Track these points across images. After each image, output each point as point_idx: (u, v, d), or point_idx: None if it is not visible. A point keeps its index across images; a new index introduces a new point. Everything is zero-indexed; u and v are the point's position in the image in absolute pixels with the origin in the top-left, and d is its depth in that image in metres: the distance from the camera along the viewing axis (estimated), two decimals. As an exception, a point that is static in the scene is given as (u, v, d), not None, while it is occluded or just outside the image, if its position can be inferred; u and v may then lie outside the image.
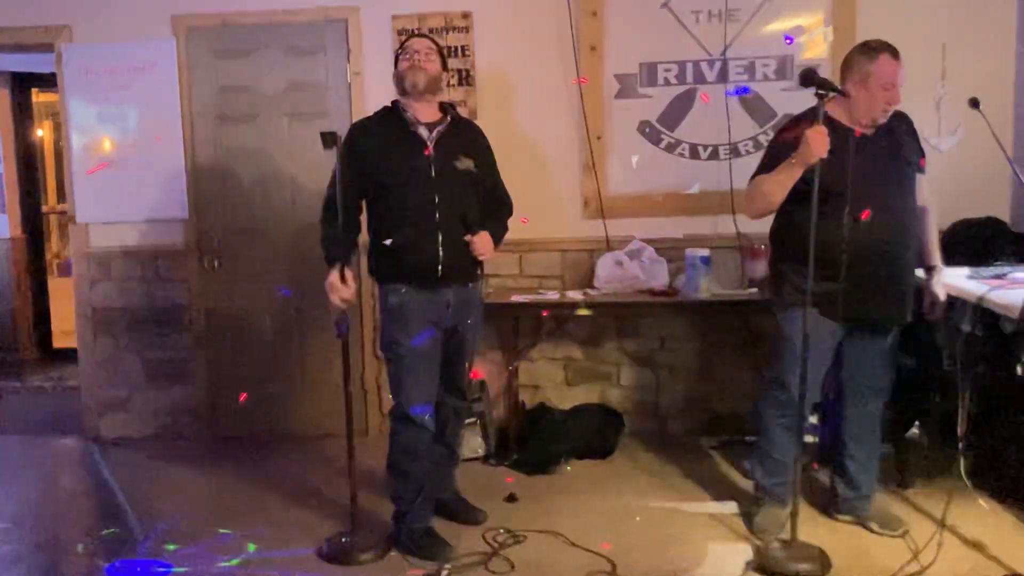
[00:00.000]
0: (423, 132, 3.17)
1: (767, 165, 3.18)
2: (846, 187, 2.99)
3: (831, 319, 3.12)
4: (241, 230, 4.63)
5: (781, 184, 3.07)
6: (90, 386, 4.78)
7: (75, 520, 3.75)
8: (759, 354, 4.26)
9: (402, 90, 3.20)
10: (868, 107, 3.07)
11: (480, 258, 3.22)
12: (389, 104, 3.28)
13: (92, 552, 3.36)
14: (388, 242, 3.13)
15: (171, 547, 3.36)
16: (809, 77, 2.96)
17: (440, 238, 3.11)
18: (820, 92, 2.94)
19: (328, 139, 3.10)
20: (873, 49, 3.09)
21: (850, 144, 3.03)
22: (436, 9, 4.41)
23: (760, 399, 3.41)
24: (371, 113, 3.40)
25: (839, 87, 3.04)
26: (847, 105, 3.10)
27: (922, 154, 3.25)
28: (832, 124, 3.02)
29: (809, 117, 3.04)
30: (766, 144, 4.20)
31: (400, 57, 3.24)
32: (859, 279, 3.04)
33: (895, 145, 3.13)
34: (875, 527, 3.28)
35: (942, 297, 3.30)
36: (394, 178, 3.12)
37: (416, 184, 3.11)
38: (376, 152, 3.15)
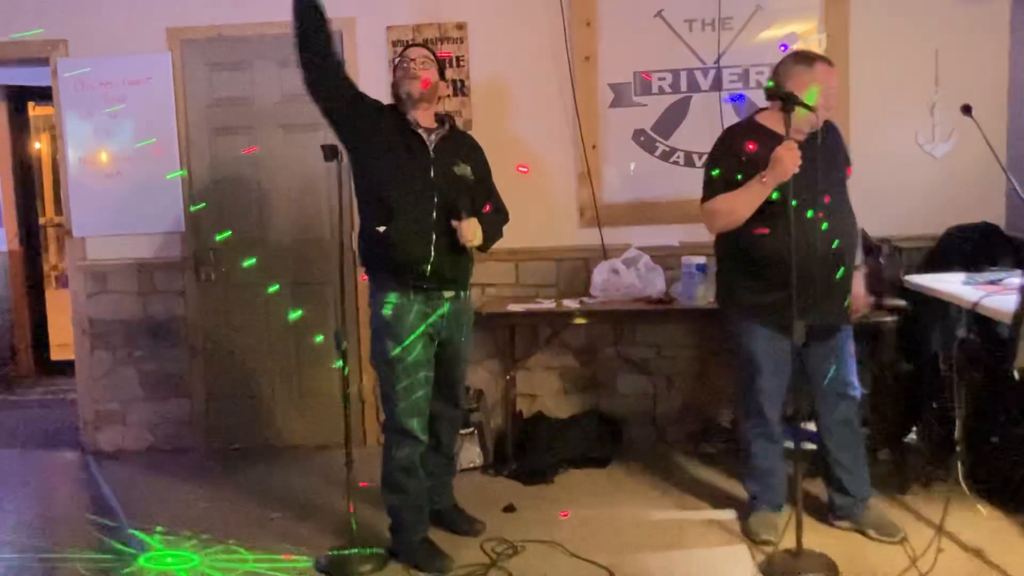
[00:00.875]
0: (423, 134, 3.19)
1: (722, 183, 3.16)
2: (791, 196, 2.98)
3: (781, 331, 3.11)
4: (237, 242, 4.63)
5: (749, 202, 3.10)
6: (87, 399, 4.78)
7: (72, 534, 3.74)
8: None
9: (397, 98, 3.22)
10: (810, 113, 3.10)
11: (464, 243, 3.13)
12: (392, 103, 3.28)
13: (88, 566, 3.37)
14: (382, 229, 3.10)
15: (168, 559, 3.36)
16: (773, 91, 3.02)
17: (433, 238, 3.11)
18: (785, 107, 2.97)
19: (329, 152, 3.13)
20: (810, 58, 3.17)
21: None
22: (431, 20, 4.42)
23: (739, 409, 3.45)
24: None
25: (805, 101, 3.03)
26: (779, 116, 3.06)
27: (848, 162, 3.33)
28: (767, 135, 3.07)
29: (745, 129, 3.12)
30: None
31: (397, 66, 3.25)
32: (807, 286, 3.03)
33: (829, 151, 3.17)
34: (872, 533, 3.27)
35: (863, 295, 3.43)
36: (394, 167, 3.11)
37: (416, 180, 3.12)
38: (380, 134, 3.14)
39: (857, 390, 3.31)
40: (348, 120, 3.16)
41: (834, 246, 3.10)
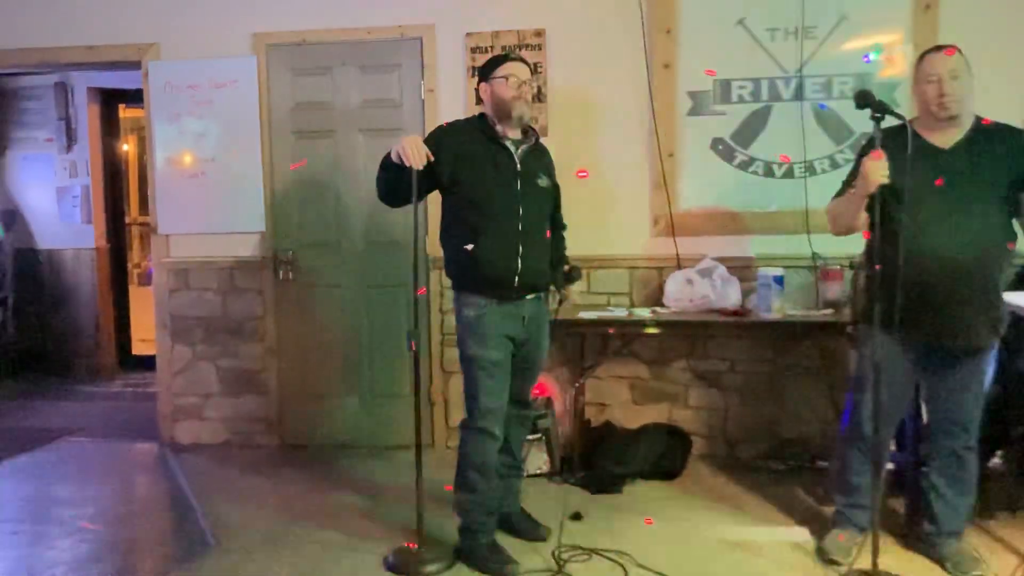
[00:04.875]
0: (511, 147, 3.22)
1: (844, 185, 3.18)
2: (877, 205, 2.90)
3: (900, 345, 3.03)
4: (315, 243, 4.72)
5: (847, 210, 3.08)
6: (166, 392, 4.92)
7: (150, 522, 3.85)
8: (833, 377, 4.17)
9: (501, 114, 3.23)
10: (924, 106, 3.03)
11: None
12: (477, 115, 3.33)
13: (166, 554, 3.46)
14: (469, 247, 3.17)
15: (240, 552, 3.42)
16: (864, 99, 2.92)
17: (520, 249, 3.17)
18: (876, 115, 2.88)
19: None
20: (924, 52, 3.09)
21: (927, 159, 2.96)
22: (510, 27, 4.45)
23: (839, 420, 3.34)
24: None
25: (896, 109, 2.95)
26: (922, 120, 3.05)
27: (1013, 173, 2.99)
28: (909, 139, 2.92)
29: (887, 133, 2.97)
30: (843, 163, 4.18)
31: (499, 79, 3.22)
32: (922, 300, 2.95)
33: (977, 160, 2.99)
34: (949, 567, 3.13)
35: None
36: (482, 185, 3.17)
37: (502, 195, 3.17)
38: (465, 157, 3.19)
39: (975, 425, 3.12)
40: (438, 188, 3.27)
41: (957, 263, 2.93)
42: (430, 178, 3.19)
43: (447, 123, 3.39)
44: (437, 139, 3.22)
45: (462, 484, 3.26)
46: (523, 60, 3.32)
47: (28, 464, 4.65)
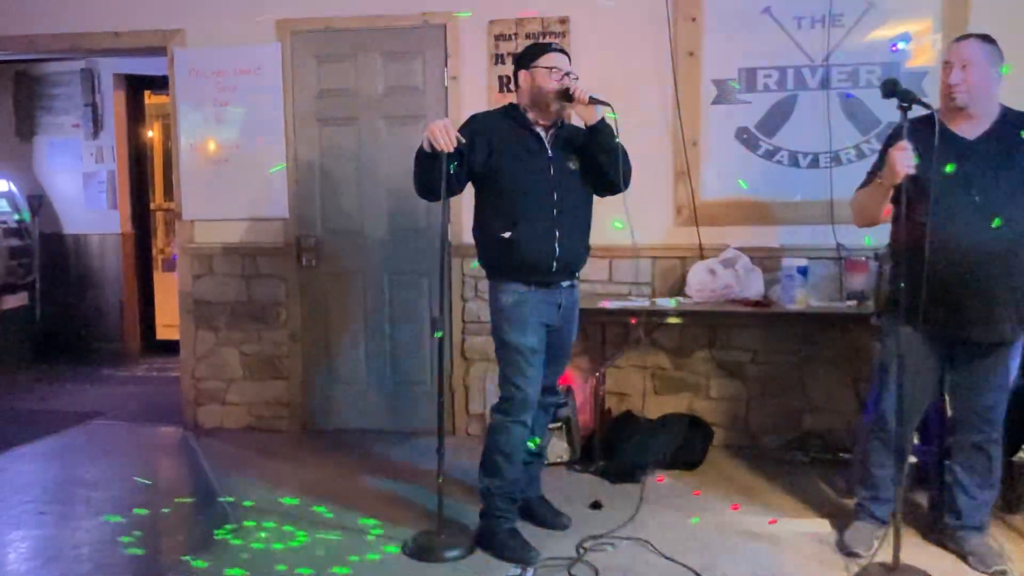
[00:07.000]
0: (541, 133, 3.23)
1: (869, 177, 3.15)
2: (904, 196, 2.87)
3: (923, 335, 3.00)
4: (338, 230, 4.74)
5: (872, 201, 3.05)
6: (190, 377, 4.96)
7: (173, 504, 3.88)
8: (856, 369, 4.14)
9: (539, 103, 3.21)
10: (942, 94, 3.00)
11: (577, 96, 3.13)
12: (507, 105, 3.34)
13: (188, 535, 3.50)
14: (507, 235, 3.17)
15: (261, 537, 3.45)
16: (890, 88, 2.88)
17: (557, 234, 3.18)
18: (903, 104, 2.85)
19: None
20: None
21: (953, 149, 2.93)
22: (534, 14, 4.43)
23: (863, 411, 3.32)
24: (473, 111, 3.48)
25: (923, 98, 2.90)
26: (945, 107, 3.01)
27: None
28: (932, 132, 2.89)
29: (913, 124, 2.93)
30: (869, 153, 4.14)
31: (542, 68, 3.19)
32: (946, 292, 2.92)
33: (1004, 151, 2.95)
34: (972, 560, 3.10)
35: None
36: (517, 173, 3.19)
37: (537, 181, 3.19)
38: (498, 145, 3.20)
39: (999, 417, 3.10)
40: (472, 178, 3.27)
41: (982, 255, 2.89)
42: (465, 167, 3.18)
43: (478, 113, 3.39)
44: (470, 129, 3.22)
45: (487, 467, 3.27)
46: (564, 51, 3.31)
47: (54, 446, 4.71)
